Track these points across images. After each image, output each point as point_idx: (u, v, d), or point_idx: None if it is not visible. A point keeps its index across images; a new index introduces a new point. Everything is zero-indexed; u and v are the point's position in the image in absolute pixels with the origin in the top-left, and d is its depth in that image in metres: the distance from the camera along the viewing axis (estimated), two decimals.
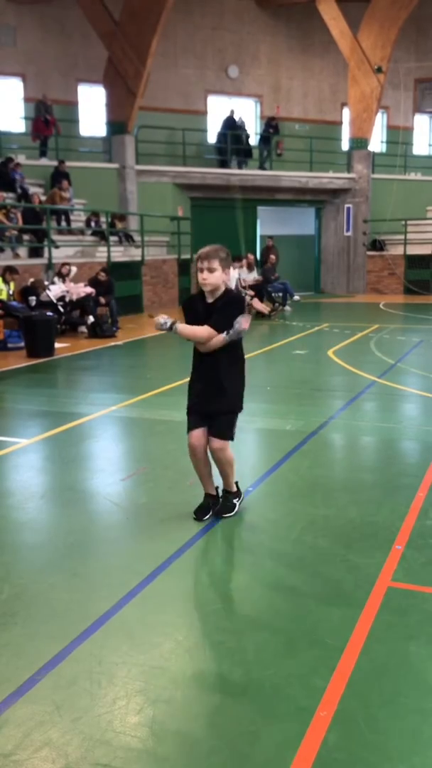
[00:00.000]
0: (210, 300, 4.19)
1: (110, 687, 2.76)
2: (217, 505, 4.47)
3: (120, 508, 4.67)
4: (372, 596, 3.43)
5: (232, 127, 21.87)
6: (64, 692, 2.73)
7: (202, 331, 4.11)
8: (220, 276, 4.08)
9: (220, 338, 4.10)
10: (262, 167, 22.77)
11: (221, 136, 21.99)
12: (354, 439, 6.48)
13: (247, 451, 5.84)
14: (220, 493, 4.54)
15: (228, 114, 22.00)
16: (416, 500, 4.69)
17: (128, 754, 2.40)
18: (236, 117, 22.06)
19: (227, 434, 4.28)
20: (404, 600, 3.45)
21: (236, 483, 4.53)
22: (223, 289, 4.17)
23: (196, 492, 4.80)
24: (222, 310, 4.12)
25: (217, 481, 4.54)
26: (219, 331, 4.09)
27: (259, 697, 2.70)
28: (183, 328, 4.11)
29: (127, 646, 3.03)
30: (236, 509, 4.48)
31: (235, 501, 4.50)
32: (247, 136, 22.38)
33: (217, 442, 4.25)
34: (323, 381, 9.02)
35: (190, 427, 4.30)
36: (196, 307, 4.23)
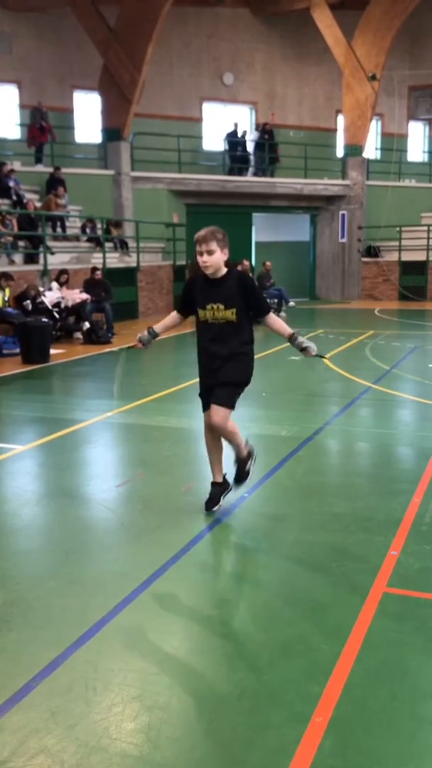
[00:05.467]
0: (213, 278, 4.31)
1: (106, 693, 2.76)
2: (226, 490, 4.66)
3: (116, 514, 4.67)
4: (367, 602, 3.44)
5: (234, 138, 22.09)
6: (60, 699, 2.72)
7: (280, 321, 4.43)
8: (219, 257, 4.24)
9: (275, 318, 4.39)
10: (256, 174, 22.83)
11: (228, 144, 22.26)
12: (349, 444, 6.50)
13: None
14: (228, 480, 4.70)
15: (233, 128, 22.26)
16: (411, 506, 4.69)
17: (124, 761, 2.40)
18: (239, 131, 22.26)
19: (226, 402, 4.33)
20: (400, 606, 3.45)
21: (246, 441, 4.63)
22: (224, 269, 4.32)
23: (192, 499, 4.81)
24: (253, 295, 4.34)
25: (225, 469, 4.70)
26: (267, 311, 4.36)
27: (254, 703, 2.70)
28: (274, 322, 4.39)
29: (123, 653, 3.03)
30: (250, 472, 4.68)
31: (247, 468, 4.66)
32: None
33: (217, 412, 4.29)
34: (318, 387, 9.04)
35: (204, 408, 4.51)
36: (196, 285, 4.41)
